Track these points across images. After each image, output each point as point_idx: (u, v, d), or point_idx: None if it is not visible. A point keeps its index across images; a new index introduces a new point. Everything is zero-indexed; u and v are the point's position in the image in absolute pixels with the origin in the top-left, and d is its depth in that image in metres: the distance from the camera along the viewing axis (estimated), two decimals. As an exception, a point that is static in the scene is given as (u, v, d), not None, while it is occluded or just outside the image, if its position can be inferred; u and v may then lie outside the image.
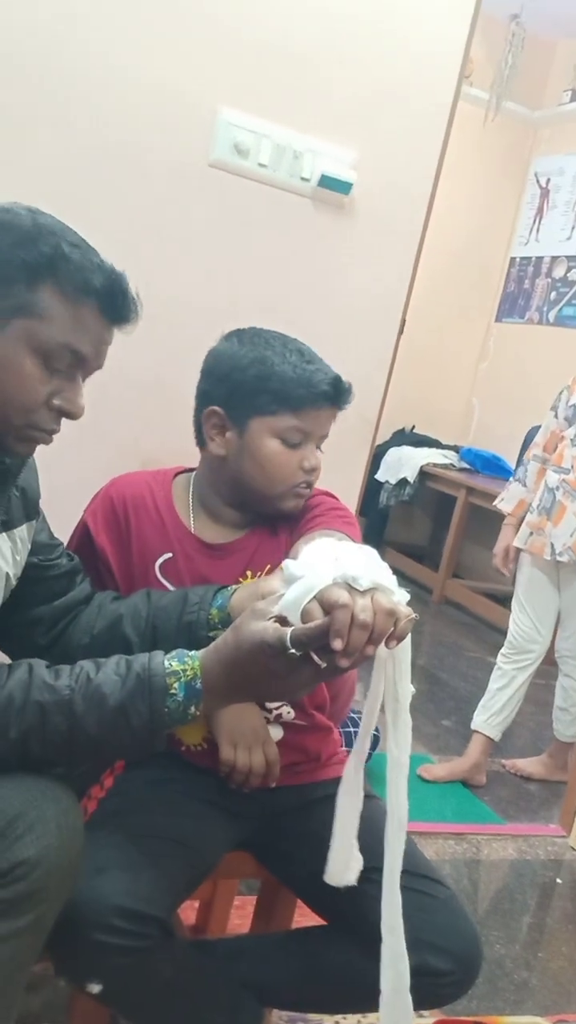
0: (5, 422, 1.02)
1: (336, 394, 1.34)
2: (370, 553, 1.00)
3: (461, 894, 1.94)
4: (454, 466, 5.31)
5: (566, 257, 5.26)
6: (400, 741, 1.02)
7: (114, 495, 1.40)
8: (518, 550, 2.90)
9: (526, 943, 2.15)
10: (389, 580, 0.96)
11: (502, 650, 2.93)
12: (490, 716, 2.88)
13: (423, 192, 2.00)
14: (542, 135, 5.59)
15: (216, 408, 1.35)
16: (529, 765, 3.08)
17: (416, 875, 1.26)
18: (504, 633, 3.00)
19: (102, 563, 1.37)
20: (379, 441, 2.61)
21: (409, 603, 0.95)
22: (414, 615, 0.95)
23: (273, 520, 1.41)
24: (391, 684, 1.00)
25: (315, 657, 0.92)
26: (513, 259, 5.71)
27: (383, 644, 0.93)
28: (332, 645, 0.89)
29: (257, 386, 1.31)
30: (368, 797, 1.14)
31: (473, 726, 2.92)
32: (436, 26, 1.90)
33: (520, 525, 2.89)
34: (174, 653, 1.00)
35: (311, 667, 0.93)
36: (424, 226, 2.03)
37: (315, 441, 1.36)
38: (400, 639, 0.94)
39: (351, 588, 0.93)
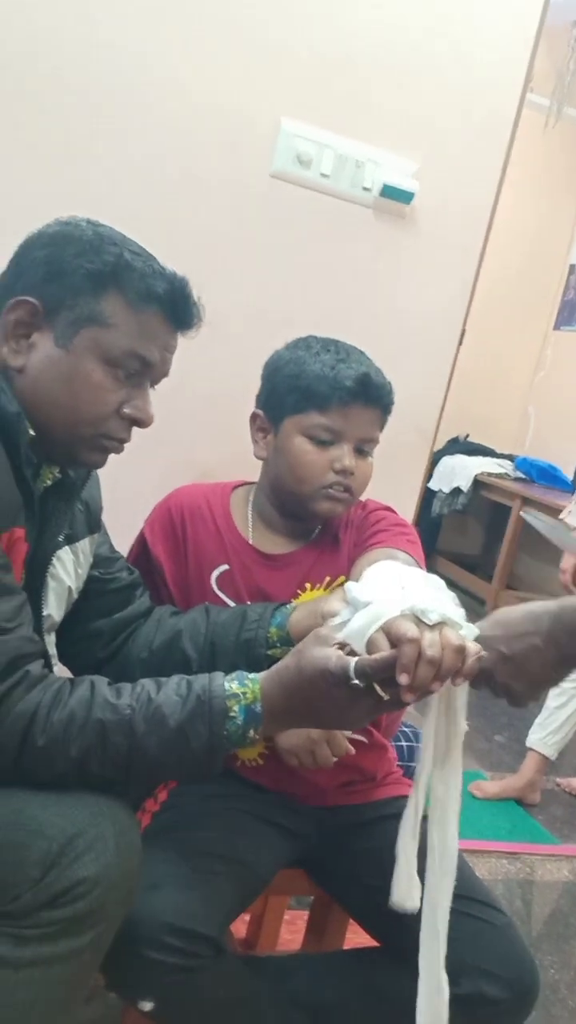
0: (76, 433, 1.03)
1: (364, 390, 1.29)
2: (437, 583, 0.98)
3: (514, 915, 1.90)
4: (509, 475, 5.24)
5: (627, 265, 5.18)
6: (448, 779, 0.99)
7: (172, 506, 1.40)
8: None
9: (581, 968, 2.10)
10: (457, 614, 0.94)
11: (560, 667, 2.87)
12: (547, 734, 2.83)
13: (485, 202, 1.97)
14: (603, 141, 5.50)
15: (258, 411, 1.37)
16: (585, 784, 3.02)
17: (472, 900, 1.24)
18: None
19: (158, 574, 1.37)
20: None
21: (477, 638, 0.93)
22: (483, 652, 0.93)
23: (333, 531, 1.39)
24: (444, 719, 0.98)
25: (378, 689, 0.91)
26: (573, 266, 5.62)
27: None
28: (398, 679, 0.88)
29: (289, 385, 1.31)
30: (423, 818, 1.11)
31: (528, 744, 2.87)
32: (499, 35, 1.87)
33: None
34: (235, 675, 0.99)
35: (373, 698, 0.91)
36: (486, 236, 2.00)
37: (350, 442, 1.31)
38: (468, 677, 0.92)
39: (419, 621, 0.91)
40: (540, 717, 2.88)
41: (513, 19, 1.88)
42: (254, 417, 1.38)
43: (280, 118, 1.76)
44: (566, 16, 4.70)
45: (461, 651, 0.91)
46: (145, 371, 1.05)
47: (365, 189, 1.83)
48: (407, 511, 2.03)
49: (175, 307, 1.05)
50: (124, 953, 1.03)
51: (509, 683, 1.04)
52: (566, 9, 4.57)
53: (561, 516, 3.03)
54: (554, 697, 2.85)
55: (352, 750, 1.25)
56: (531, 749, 2.85)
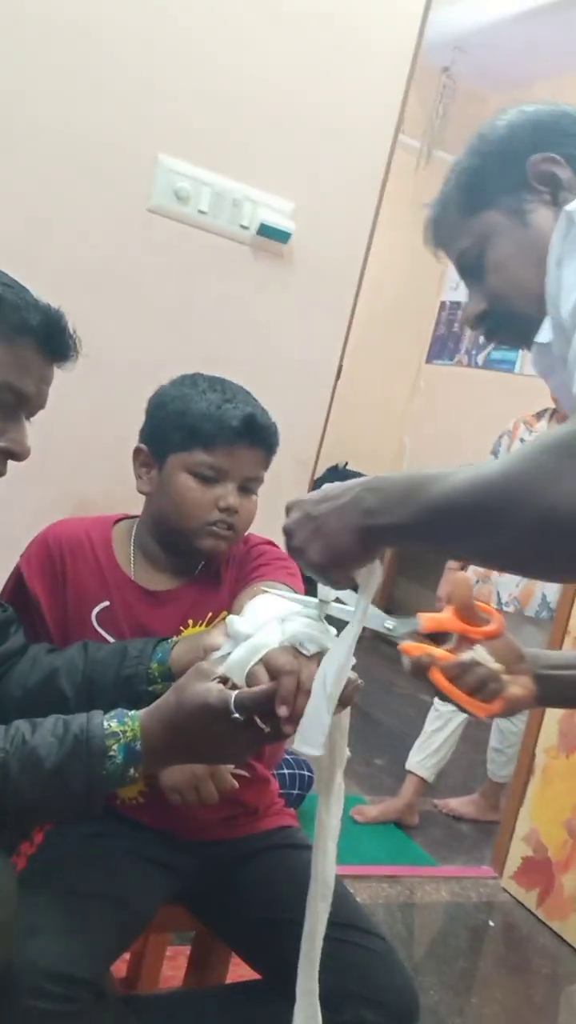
0: None
1: (249, 431, 1.31)
2: (316, 610, 1.00)
3: (395, 939, 1.93)
4: (386, 503, 5.35)
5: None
6: (332, 806, 1.01)
7: (50, 540, 1.38)
8: None
9: (459, 989, 2.14)
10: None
11: (439, 691, 2.94)
12: (425, 757, 2.89)
13: (360, 241, 2.04)
14: (472, 183, 5.75)
15: (141, 445, 1.36)
16: (461, 805, 3.10)
17: (352, 927, 1.25)
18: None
19: (35, 611, 1.33)
20: (313, 479, 2.63)
21: (355, 667, 0.95)
22: (360, 682, 0.95)
23: (215, 567, 1.40)
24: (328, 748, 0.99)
25: (258, 721, 0.91)
26: (443, 303, 5.83)
27: None
28: (277, 711, 0.89)
29: (175, 422, 1.32)
30: (304, 848, 1.12)
31: (408, 766, 2.92)
32: (373, 80, 1.95)
33: (462, 570, 2.93)
34: (113, 713, 0.98)
35: (254, 731, 0.92)
36: (360, 274, 2.07)
37: (235, 481, 1.32)
38: (346, 706, 0.94)
39: (298, 652, 0.92)
40: (419, 740, 2.94)
41: (385, 65, 1.96)
42: (138, 452, 1.37)
43: (157, 154, 1.77)
44: (437, 62, 4.91)
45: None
46: (21, 404, 1.04)
47: (243, 227, 1.87)
48: (287, 541, 2.05)
49: (50, 339, 1.04)
50: (1, 1003, 1.01)
51: (304, 545, 0.93)
52: (437, 55, 4.79)
53: None
54: (432, 720, 2.92)
55: (236, 784, 1.26)
56: (410, 772, 2.91)
